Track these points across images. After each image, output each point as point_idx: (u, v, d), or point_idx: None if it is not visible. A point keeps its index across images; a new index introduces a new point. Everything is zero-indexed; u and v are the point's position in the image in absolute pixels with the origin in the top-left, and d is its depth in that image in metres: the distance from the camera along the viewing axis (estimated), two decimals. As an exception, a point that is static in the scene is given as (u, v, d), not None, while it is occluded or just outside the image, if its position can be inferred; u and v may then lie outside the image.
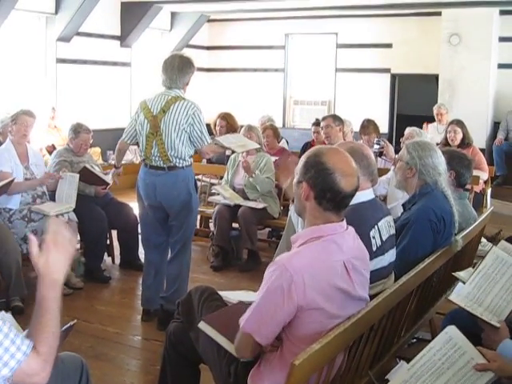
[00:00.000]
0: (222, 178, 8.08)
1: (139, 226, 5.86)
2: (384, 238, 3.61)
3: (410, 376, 2.58)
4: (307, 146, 9.53)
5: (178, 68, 5.39)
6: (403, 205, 4.37)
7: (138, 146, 5.61)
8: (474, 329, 3.14)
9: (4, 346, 2.19)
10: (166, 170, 5.42)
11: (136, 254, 7.32)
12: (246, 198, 7.52)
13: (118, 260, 7.45)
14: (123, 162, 11.80)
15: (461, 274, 3.89)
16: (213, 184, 8.28)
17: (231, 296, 3.63)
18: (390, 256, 3.70)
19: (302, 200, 2.84)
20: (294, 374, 2.31)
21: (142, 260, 7.20)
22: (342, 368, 2.86)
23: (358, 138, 8.47)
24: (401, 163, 4.34)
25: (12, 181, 5.98)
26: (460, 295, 3.30)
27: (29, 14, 11.84)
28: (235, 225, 7.65)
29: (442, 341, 2.62)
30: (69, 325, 2.99)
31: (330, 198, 2.76)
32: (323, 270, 2.69)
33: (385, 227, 3.66)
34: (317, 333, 2.61)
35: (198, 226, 8.38)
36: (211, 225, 8.03)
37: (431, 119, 11.71)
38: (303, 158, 2.87)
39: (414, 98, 14.96)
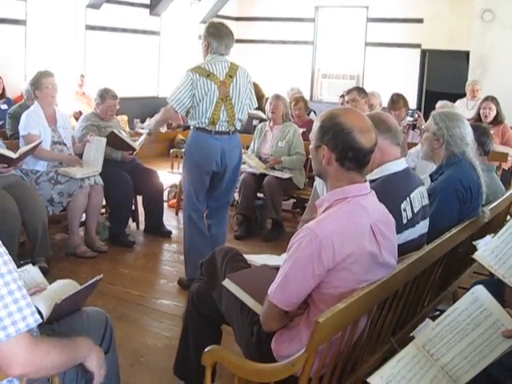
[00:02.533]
0: (248, 147, 8.07)
1: (188, 196, 5.67)
2: (416, 210, 3.55)
3: (434, 335, 2.58)
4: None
5: (231, 36, 5.52)
6: (430, 175, 4.33)
7: (187, 115, 5.58)
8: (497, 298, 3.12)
9: (9, 309, 2.07)
10: (230, 134, 5.54)
11: (161, 220, 7.35)
12: (272, 168, 7.52)
13: (142, 226, 7.48)
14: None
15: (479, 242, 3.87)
16: (239, 153, 8.27)
17: (255, 259, 3.63)
18: (421, 227, 3.64)
19: (323, 165, 2.81)
20: (317, 332, 2.32)
21: (168, 227, 7.30)
22: (364, 332, 2.85)
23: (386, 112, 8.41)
24: (427, 134, 4.29)
25: (39, 143, 6.01)
26: (487, 249, 3.25)
27: (59, -20, 11.87)
28: (260, 195, 7.68)
29: (467, 301, 2.61)
30: (95, 279, 3.01)
31: (352, 156, 2.74)
32: (351, 233, 2.68)
33: (417, 198, 3.59)
34: (343, 297, 2.59)
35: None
36: (235, 194, 8.03)
37: (461, 96, 11.57)
38: (318, 123, 2.84)
39: (443, 75, 14.78)
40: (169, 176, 8.79)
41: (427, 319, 2.90)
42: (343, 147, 2.73)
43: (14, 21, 11.08)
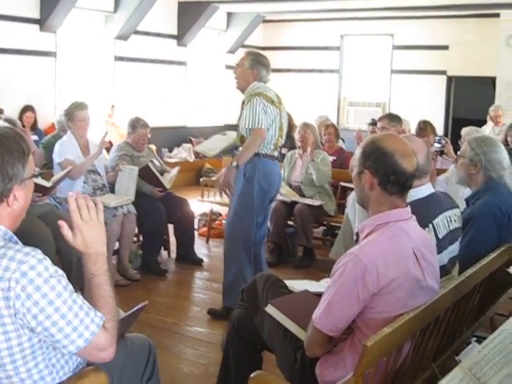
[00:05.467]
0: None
1: (248, 225, 5.54)
2: (441, 236, 3.52)
3: (480, 358, 2.56)
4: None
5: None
6: (466, 200, 4.32)
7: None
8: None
9: (79, 317, 2.26)
10: (277, 159, 5.70)
11: (192, 248, 7.37)
12: (303, 196, 7.53)
13: (173, 254, 7.50)
14: (177, 160, 11.92)
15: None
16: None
17: (294, 285, 3.64)
18: (449, 253, 3.61)
19: (365, 191, 2.84)
20: (365, 356, 2.32)
21: (199, 255, 7.33)
22: (408, 357, 2.85)
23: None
24: (463, 160, 4.28)
25: (70, 170, 6.06)
26: None
27: (88, 12, 12.05)
28: (290, 223, 7.68)
29: None
30: (140, 305, 3.03)
31: (395, 180, 2.76)
32: (395, 257, 2.69)
33: (443, 224, 3.56)
34: (387, 322, 2.59)
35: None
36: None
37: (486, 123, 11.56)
38: (359, 149, 2.88)
39: (470, 101, 14.72)
40: (198, 205, 8.84)
41: (473, 342, 2.89)
42: (385, 171, 2.76)
43: (44, 53, 11.25)
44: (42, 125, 10.81)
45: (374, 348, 2.35)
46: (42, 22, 10.99)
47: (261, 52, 5.77)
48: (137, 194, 6.62)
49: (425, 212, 3.47)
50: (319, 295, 3.30)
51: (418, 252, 2.76)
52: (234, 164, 5.29)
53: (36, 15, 10.96)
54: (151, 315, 5.62)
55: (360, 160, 2.84)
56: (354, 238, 6.36)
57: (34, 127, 10.35)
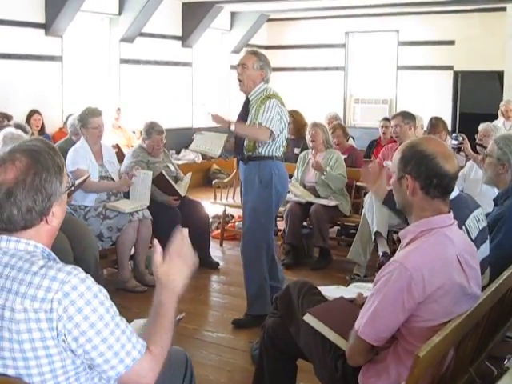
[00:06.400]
0: (291, 176, 8.01)
1: (267, 229, 5.50)
2: (474, 237, 3.51)
3: None
4: (374, 143, 9.44)
5: None
6: (495, 200, 4.27)
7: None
8: None
9: (121, 342, 2.18)
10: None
11: (208, 252, 7.29)
12: (317, 196, 7.47)
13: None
14: (185, 162, 11.81)
15: None
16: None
17: (328, 292, 3.57)
18: (482, 252, 3.59)
19: (407, 197, 2.78)
20: (417, 366, 2.28)
21: (213, 258, 7.25)
22: (450, 363, 2.80)
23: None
24: (491, 159, 4.23)
25: (87, 177, 6.01)
26: None
27: (93, 16, 12.03)
28: (305, 223, 7.63)
29: None
30: (177, 318, 2.97)
31: (438, 183, 2.71)
32: (440, 265, 2.64)
33: (473, 224, 3.56)
34: (432, 330, 2.56)
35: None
36: (279, 223, 7.94)
37: (495, 117, 11.46)
38: (398, 154, 2.82)
39: (476, 96, 14.66)
40: (210, 207, 8.77)
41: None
42: (427, 174, 2.70)
43: (51, 57, 11.22)
44: (50, 130, 10.75)
45: (426, 358, 2.30)
46: (47, 27, 10.96)
47: (265, 51, 5.69)
48: (152, 198, 6.56)
49: (456, 214, 3.41)
50: (353, 301, 3.27)
51: (461, 258, 2.72)
52: (232, 128, 5.45)
53: (41, 20, 10.93)
54: (172, 321, 5.56)
55: (399, 165, 2.78)
56: (373, 238, 6.35)
57: (42, 132, 10.30)
